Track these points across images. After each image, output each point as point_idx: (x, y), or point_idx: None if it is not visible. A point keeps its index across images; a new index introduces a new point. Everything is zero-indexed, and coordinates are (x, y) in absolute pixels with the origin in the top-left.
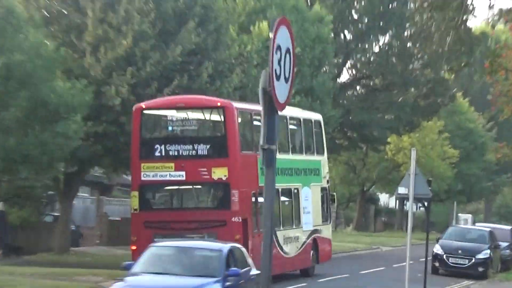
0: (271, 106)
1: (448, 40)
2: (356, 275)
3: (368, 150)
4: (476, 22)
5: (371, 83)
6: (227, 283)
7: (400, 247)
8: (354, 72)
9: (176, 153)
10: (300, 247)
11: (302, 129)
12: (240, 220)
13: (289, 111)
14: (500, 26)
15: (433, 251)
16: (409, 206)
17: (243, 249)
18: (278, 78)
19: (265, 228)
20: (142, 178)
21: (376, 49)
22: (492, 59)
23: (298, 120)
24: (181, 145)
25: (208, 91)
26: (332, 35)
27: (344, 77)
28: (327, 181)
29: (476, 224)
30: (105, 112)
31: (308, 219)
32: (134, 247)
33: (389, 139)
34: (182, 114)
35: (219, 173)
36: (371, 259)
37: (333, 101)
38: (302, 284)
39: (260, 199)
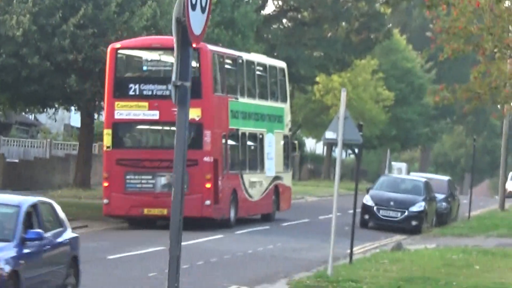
0: (185, 38)
1: None
2: (275, 228)
3: (294, 90)
4: None
5: (299, 16)
6: (25, 250)
7: (327, 197)
8: (280, 3)
9: (150, 93)
10: (263, 192)
11: (268, 76)
12: (212, 160)
13: (257, 57)
14: None
15: (363, 203)
16: (338, 152)
17: (55, 205)
18: (193, 7)
19: (176, 172)
20: (116, 117)
21: None
22: None
23: (264, 66)
24: (155, 85)
25: (117, 23)
26: None
27: (269, 8)
28: (289, 129)
29: (411, 173)
30: (4, 43)
31: (271, 165)
32: (106, 184)
33: (317, 79)
34: (157, 55)
35: (192, 113)
36: (294, 210)
37: (257, 35)
38: (265, 227)
39: (230, 141)
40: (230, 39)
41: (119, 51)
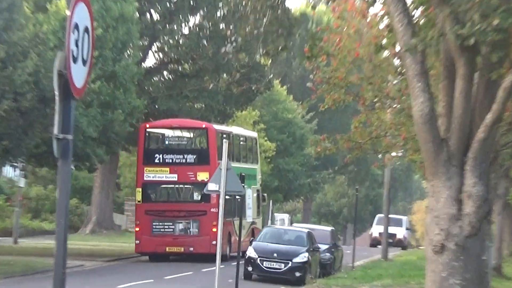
0: (67, 91)
1: (265, 21)
2: (160, 280)
3: None
4: (296, 3)
5: (180, 68)
6: None
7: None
8: (161, 56)
9: (170, 161)
10: (246, 234)
11: (246, 144)
12: (217, 210)
13: (238, 130)
14: (322, 7)
15: (246, 254)
16: (220, 204)
17: None
18: (75, 60)
19: (58, 225)
20: (145, 178)
21: (186, 30)
22: (312, 42)
23: (244, 137)
24: (175, 155)
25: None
26: (137, 14)
27: (150, 61)
28: (260, 184)
29: (294, 224)
30: None
31: (250, 213)
32: (137, 229)
33: None
34: (176, 132)
35: (202, 176)
36: (176, 262)
37: (138, 88)
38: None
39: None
40: (112, 92)
41: (147, 130)
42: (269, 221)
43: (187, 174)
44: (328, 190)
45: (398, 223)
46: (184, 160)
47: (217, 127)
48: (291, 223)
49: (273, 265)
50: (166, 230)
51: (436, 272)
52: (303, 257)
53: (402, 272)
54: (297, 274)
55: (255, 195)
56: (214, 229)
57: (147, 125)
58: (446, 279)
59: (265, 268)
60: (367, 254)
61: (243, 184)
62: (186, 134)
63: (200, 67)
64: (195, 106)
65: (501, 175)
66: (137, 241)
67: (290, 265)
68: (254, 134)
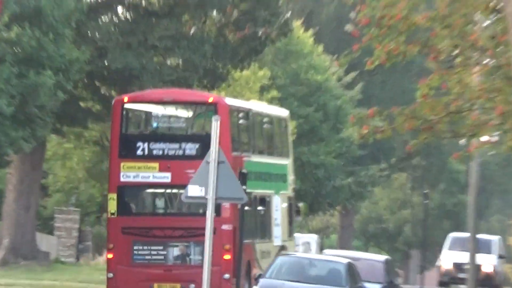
0: None
1: None
2: None
3: None
4: None
5: (143, 3)
6: None
7: None
8: None
9: (161, 153)
10: None
11: (274, 128)
12: (231, 228)
13: (262, 107)
14: None
15: None
16: (208, 217)
17: None
18: None
19: None
20: (122, 179)
21: None
22: None
23: (270, 117)
24: (167, 144)
25: None
26: None
27: None
28: (293, 189)
29: (325, 251)
30: None
31: (278, 233)
32: (110, 255)
33: None
34: (169, 110)
35: None
36: None
37: (77, 34)
38: None
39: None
40: (37, 40)
41: (126, 105)
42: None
43: (185, 173)
44: (381, 197)
45: (485, 247)
46: (181, 152)
47: (231, 101)
48: (321, 249)
49: None
50: (154, 257)
51: None
52: None
53: None
54: None
55: (285, 205)
56: (227, 256)
57: (125, 99)
58: None
59: None
60: None
61: (244, 187)
62: (184, 112)
63: (176, 1)
64: (168, 62)
65: None
66: (110, 275)
67: None
68: (283, 112)
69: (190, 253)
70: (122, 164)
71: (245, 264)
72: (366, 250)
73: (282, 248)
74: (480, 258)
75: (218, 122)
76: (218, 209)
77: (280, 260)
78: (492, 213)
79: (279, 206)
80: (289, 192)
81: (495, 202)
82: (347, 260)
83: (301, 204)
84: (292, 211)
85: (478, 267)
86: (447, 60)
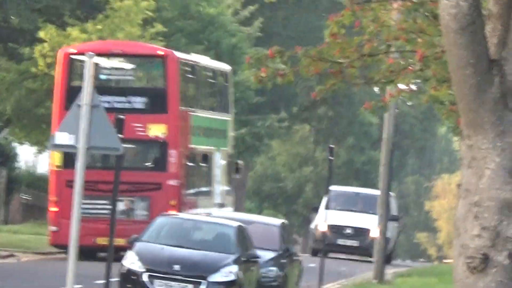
0: None
1: None
2: None
3: None
4: None
5: None
6: None
7: (57, 254)
8: None
9: (107, 105)
10: None
11: (216, 83)
12: (177, 183)
13: (204, 60)
14: None
15: (122, 266)
16: (79, 170)
17: None
18: None
19: None
20: None
21: None
22: None
23: (213, 71)
24: (114, 97)
25: None
26: None
27: None
28: (232, 146)
29: (212, 210)
30: None
31: (218, 190)
32: (54, 209)
33: (41, 34)
34: (116, 62)
35: (156, 130)
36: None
37: None
38: None
39: (189, 163)
40: None
41: (72, 57)
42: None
43: (132, 127)
44: (279, 151)
45: (373, 206)
46: (128, 105)
47: (182, 55)
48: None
49: (173, 286)
50: (99, 212)
51: None
52: (227, 274)
53: None
54: None
55: (224, 162)
56: (172, 212)
57: (72, 50)
58: None
59: None
60: (346, 271)
61: (120, 136)
62: (131, 64)
63: None
64: None
65: None
66: (54, 228)
67: (204, 287)
68: (226, 67)
69: (134, 208)
70: None
71: None
72: (259, 213)
73: (221, 205)
74: (366, 220)
75: (92, 60)
76: (164, 164)
77: (160, 221)
78: (407, 174)
79: (219, 163)
80: (229, 149)
81: (411, 161)
82: (237, 224)
83: (240, 162)
84: (231, 169)
85: (362, 231)
86: None
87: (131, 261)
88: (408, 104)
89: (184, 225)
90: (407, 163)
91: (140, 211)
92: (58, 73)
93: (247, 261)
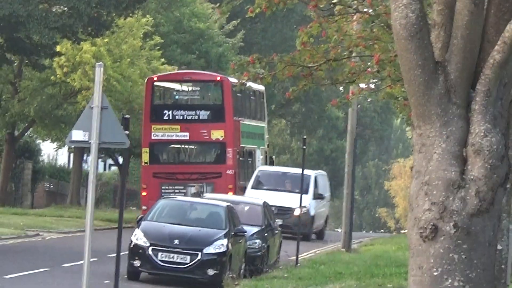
0: None
1: None
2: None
3: (22, 66)
4: None
5: None
6: None
7: (75, 233)
8: None
9: (181, 117)
10: None
11: (256, 99)
12: (233, 172)
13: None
14: None
15: (131, 241)
16: (92, 163)
17: None
18: None
19: None
20: (152, 137)
21: None
22: None
23: (253, 91)
24: (186, 111)
25: None
26: None
27: None
28: (267, 145)
29: (205, 195)
30: None
31: None
32: (144, 193)
33: (58, 48)
34: (187, 85)
35: (217, 134)
36: (24, 254)
37: None
38: None
39: (240, 157)
40: None
41: (155, 83)
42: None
43: (199, 132)
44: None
45: (296, 184)
46: (196, 117)
47: (232, 79)
48: (201, 193)
49: (174, 257)
50: (177, 194)
51: (425, 268)
52: (219, 246)
53: (373, 269)
54: (211, 271)
55: (262, 157)
56: (230, 193)
57: (155, 78)
58: (440, 280)
59: (160, 263)
60: (319, 242)
61: (126, 132)
62: (198, 87)
63: None
64: (53, 9)
65: None
66: (144, 207)
67: (199, 257)
68: (261, 87)
69: (203, 191)
70: (152, 126)
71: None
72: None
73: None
74: (291, 199)
75: (102, 68)
76: (223, 158)
77: (161, 204)
78: (369, 159)
79: (260, 158)
80: (265, 147)
81: (372, 148)
82: (226, 204)
83: (273, 156)
84: (267, 162)
85: (287, 210)
86: (326, 8)
87: (138, 237)
88: (368, 100)
89: (182, 206)
90: (369, 150)
91: (207, 193)
92: (145, 94)
93: (235, 235)
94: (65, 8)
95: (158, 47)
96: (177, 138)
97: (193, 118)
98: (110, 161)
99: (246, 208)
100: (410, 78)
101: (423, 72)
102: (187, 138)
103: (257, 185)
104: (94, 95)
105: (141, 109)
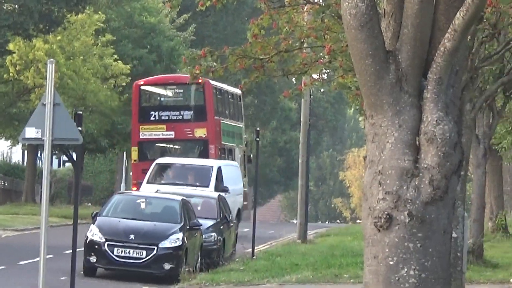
0: None
1: None
2: None
3: None
4: None
5: None
6: None
7: (31, 231)
8: None
9: (167, 118)
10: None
11: (234, 101)
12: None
13: (225, 87)
14: None
15: (87, 237)
16: (45, 160)
17: None
18: None
19: None
20: (140, 137)
21: None
22: None
23: (231, 94)
24: (171, 112)
25: None
26: None
27: None
28: (245, 144)
29: (160, 190)
30: None
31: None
32: (134, 189)
33: (10, 45)
34: (171, 88)
35: (200, 132)
36: None
37: None
38: None
39: (221, 154)
40: None
41: (142, 87)
42: (122, 185)
43: (184, 131)
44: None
45: (197, 177)
46: (180, 117)
47: (214, 82)
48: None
49: (129, 253)
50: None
51: (380, 258)
52: (175, 240)
53: (329, 260)
54: (167, 266)
55: (240, 155)
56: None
57: (141, 82)
58: (396, 269)
59: (116, 258)
60: (274, 234)
61: (79, 128)
62: (182, 89)
63: None
64: (4, 7)
65: (480, 105)
66: None
67: (155, 252)
68: (238, 91)
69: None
70: (140, 126)
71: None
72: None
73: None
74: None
75: (53, 65)
76: (206, 154)
77: (116, 199)
78: (323, 149)
79: (239, 156)
80: (243, 146)
81: (326, 139)
82: (181, 198)
83: (251, 154)
84: (245, 160)
85: None
86: (277, 0)
87: (93, 233)
88: (320, 90)
89: (136, 201)
90: (323, 140)
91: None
92: (132, 97)
93: (190, 228)
94: (16, 6)
95: (110, 44)
96: (163, 136)
97: (177, 118)
98: (64, 157)
99: (201, 201)
100: (361, 68)
101: (374, 61)
102: (173, 136)
103: (154, 179)
104: (46, 92)
105: (94, 105)
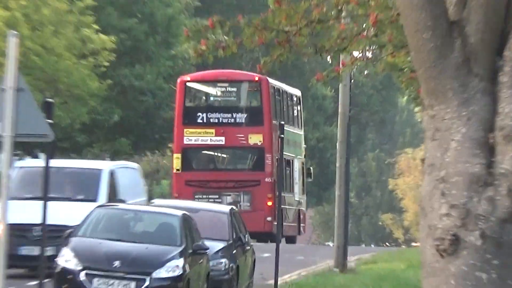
0: None
1: None
2: None
3: None
4: None
5: None
6: None
7: None
8: None
9: (216, 121)
10: (293, 215)
11: (294, 104)
12: (272, 181)
13: (285, 87)
14: None
15: (57, 265)
16: (5, 161)
17: None
18: None
19: None
20: (185, 142)
21: None
22: None
23: (291, 95)
24: (221, 114)
25: None
26: None
27: None
28: (304, 156)
29: (154, 200)
30: None
31: (297, 189)
32: None
33: None
34: (222, 86)
35: (255, 139)
36: None
37: None
38: None
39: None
40: None
41: (188, 84)
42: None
43: (236, 137)
44: None
45: (80, 185)
46: (232, 120)
47: (271, 80)
48: (237, 203)
49: (114, 284)
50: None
51: None
52: (173, 268)
53: None
54: None
55: (299, 168)
56: (269, 203)
57: (187, 78)
58: None
59: None
60: (305, 260)
61: (50, 121)
62: (235, 88)
63: None
64: None
65: None
66: None
67: (147, 284)
68: (298, 92)
69: (240, 200)
70: (185, 130)
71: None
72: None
73: (298, 202)
74: (70, 212)
75: (16, 39)
76: (262, 165)
77: (96, 213)
78: (367, 150)
79: (297, 168)
80: (303, 158)
81: (371, 136)
82: (181, 212)
83: (311, 168)
84: (304, 173)
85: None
86: None
87: (66, 258)
88: (364, 73)
89: (123, 217)
90: (367, 138)
91: (244, 203)
92: (177, 96)
93: (194, 253)
94: None
95: (90, 10)
96: (212, 143)
97: (229, 121)
98: (29, 158)
99: (208, 217)
100: (418, 43)
101: (434, 35)
102: (223, 142)
103: (13, 192)
104: (5, 74)
105: (68, 89)
